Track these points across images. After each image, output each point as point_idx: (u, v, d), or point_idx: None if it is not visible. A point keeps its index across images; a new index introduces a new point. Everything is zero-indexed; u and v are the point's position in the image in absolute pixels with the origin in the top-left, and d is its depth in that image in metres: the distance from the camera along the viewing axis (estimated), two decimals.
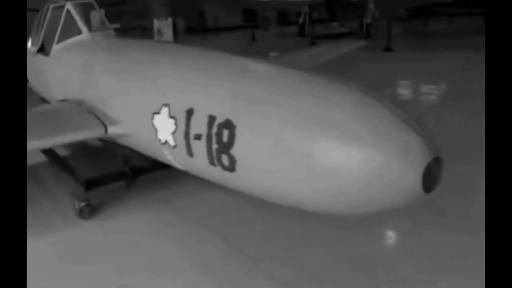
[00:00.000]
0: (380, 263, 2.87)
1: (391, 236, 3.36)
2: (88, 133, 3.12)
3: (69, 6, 4.19)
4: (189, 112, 2.44)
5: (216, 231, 3.28)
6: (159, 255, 3.03)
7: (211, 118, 2.30)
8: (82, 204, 3.43)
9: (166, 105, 2.61)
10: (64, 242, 3.22)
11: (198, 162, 2.45)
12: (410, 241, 3.15)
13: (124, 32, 18.22)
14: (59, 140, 3.05)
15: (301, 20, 18.40)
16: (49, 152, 3.93)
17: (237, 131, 2.16)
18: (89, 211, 3.49)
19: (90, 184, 3.43)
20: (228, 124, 2.21)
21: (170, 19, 15.05)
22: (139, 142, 3.03)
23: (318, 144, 1.89)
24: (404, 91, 8.21)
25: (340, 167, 1.83)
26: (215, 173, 2.38)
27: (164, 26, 14.89)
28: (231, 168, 2.23)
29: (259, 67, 2.52)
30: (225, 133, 2.21)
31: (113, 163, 3.68)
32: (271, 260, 2.90)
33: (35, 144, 2.82)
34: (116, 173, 3.57)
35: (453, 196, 3.44)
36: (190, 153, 2.47)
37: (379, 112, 1.88)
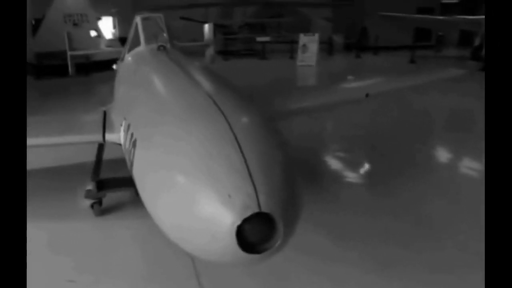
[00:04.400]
0: None
1: None
2: (87, 137, 3.65)
3: (137, 19, 4.92)
4: (128, 127, 2.71)
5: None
6: (123, 261, 3.42)
7: (131, 136, 2.53)
8: (93, 201, 4.02)
9: (125, 118, 2.94)
10: (60, 230, 3.87)
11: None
12: None
13: (274, 44, 19.58)
14: (57, 140, 3.63)
15: (476, 42, 16.61)
16: (101, 147, 4.72)
17: (136, 152, 2.33)
18: (99, 209, 4.06)
19: (101, 185, 4.00)
20: (134, 144, 2.40)
21: (316, 35, 15.50)
22: None
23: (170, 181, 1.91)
24: None
25: (182, 207, 1.82)
26: None
27: (309, 41, 15.42)
28: (137, 187, 2.39)
29: (195, 96, 2.49)
30: (132, 151, 2.41)
31: None
32: None
33: (33, 141, 3.34)
34: (127, 178, 4.03)
35: None
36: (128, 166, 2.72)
37: (223, 149, 1.81)
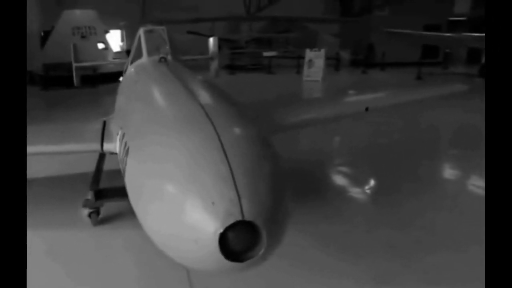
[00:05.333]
0: None
1: None
2: (85, 147, 3.69)
3: (140, 31, 5.01)
4: (123, 136, 2.77)
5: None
6: (118, 269, 3.45)
7: (125, 144, 2.59)
8: (90, 210, 4.06)
9: (121, 128, 3.00)
10: (58, 239, 3.91)
11: None
12: None
13: (281, 59, 19.75)
14: (55, 148, 3.70)
15: (484, 59, 16.64)
16: (101, 156, 4.78)
17: (128, 160, 2.38)
18: (96, 218, 4.11)
19: (99, 194, 4.04)
20: (127, 152, 2.45)
21: (322, 50, 15.62)
22: None
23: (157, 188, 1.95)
24: None
25: (167, 214, 1.84)
26: None
27: (316, 56, 15.54)
28: (128, 194, 2.43)
29: (188, 107, 2.49)
30: (124, 160, 2.46)
31: None
32: None
33: (31, 149, 3.38)
34: (125, 188, 4.07)
35: None
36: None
37: (209, 158, 1.84)
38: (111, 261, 3.57)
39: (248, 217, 1.65)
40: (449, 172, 6.24)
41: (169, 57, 4.49)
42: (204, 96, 2.77)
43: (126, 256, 3.68)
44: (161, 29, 5.12)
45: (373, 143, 7.46)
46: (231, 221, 1.63)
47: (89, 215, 4.10)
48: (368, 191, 5.35)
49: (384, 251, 3.70)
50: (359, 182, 5.61)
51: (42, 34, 14.90)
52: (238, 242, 1.66)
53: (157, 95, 2.98)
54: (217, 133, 2.02)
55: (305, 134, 7.64)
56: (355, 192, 5.25)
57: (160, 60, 4.33)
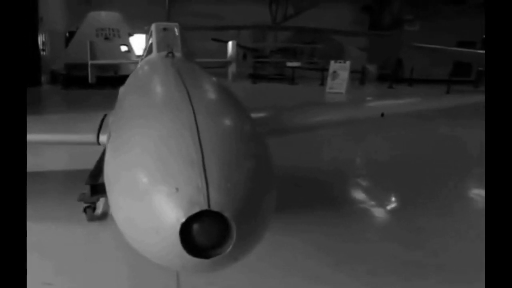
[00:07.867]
0: None
1: None
2: (81, 138, 3.61)
3: (153, 27, 4.98)
4: (108, 126, 2.70)
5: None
6: (106, 267, 3.33)
7: (109, 134, 2.52)
8: (86, 205, 3.99)
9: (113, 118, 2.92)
10: (50, 233, 3.84)
11: None
12: None
13: (306, 70, 19.65)
14: (51, 137, 3.63)
15: None
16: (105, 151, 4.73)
17: (107, 147, 2.28)
18: (92, 213, 4.05)
19: (95, 189, 3.96)
20: (108, 139, 2.37)
21: (348, 62, 15.45)
22: None
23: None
24: None
25: (132, 200, 1.70)
26: None
27: (340, 68, 15.38)
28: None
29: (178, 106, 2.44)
30: (105, 148, 2.37)
31: None
32: None
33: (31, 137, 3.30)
34: None
35: None
36: None
37: (182, 142, 1.72)
38: (100, 258, 3.47)
39: (215, 207, 1.48)
40: (474, 192, 5.91)
41: (177, 54, 4.42)
42: (198, 88, 2.65)
43: (117, 253, 3.53)
44: (174, 25, 5.09)
45: (394, 156, 7.22)
46: (195, 210, 1.47)
47: (84, 210, 4.03)
48: (384, 205, 5.11)
49: (386, 266, 3.49)
50: (375, 194, 5.37)
51: (67, 34, 15.24)
52: (203, 236, 1.49)
53: (148, 86, 2.91)
54: (195, 120, 1.89)
55: (322, 143, 7.48)
56: (369, 204, 5.02)
57: (167, 55, 4.27)
